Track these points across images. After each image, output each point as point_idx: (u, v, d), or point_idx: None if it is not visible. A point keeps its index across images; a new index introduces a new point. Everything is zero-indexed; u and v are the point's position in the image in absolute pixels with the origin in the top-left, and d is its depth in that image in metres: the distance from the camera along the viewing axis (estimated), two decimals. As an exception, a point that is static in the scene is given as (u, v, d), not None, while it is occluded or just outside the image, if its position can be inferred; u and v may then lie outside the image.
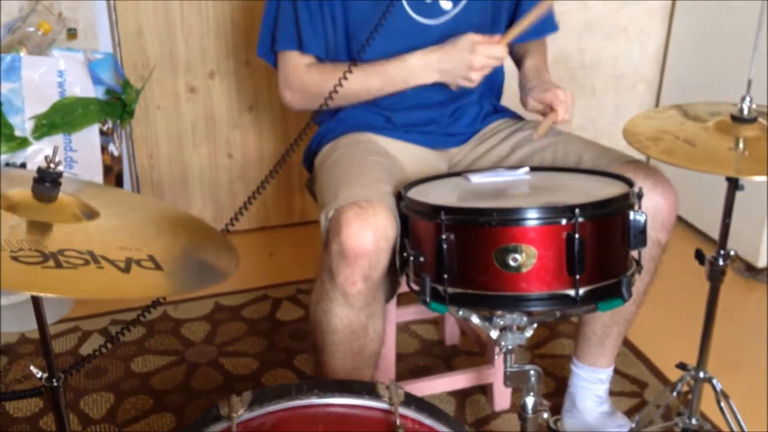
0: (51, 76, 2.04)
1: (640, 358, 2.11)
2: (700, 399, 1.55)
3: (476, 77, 1.54)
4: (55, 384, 1.04)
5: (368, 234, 1.32)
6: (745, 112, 1.32)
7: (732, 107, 1.35)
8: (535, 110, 1.63)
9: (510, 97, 1.83)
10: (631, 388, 1.99)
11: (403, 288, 1.48)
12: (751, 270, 2.53)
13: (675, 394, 1.56)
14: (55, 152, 1.02)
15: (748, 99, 1.32)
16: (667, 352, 2.02)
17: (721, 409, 1.52)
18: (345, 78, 1.51)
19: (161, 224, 1.11)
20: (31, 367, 1.05)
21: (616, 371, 1.87)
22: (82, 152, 2.09)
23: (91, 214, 1.02)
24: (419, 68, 1.57)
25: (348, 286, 1.34)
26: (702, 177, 1.77)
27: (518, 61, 1.78)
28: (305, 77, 1.64)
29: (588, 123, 2.96)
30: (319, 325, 1.43)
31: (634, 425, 1.60)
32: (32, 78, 2.01)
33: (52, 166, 0.99)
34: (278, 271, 2.56)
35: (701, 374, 1.52)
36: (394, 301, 1.75)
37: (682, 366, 1.55)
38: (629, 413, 1.85)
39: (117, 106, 2.15)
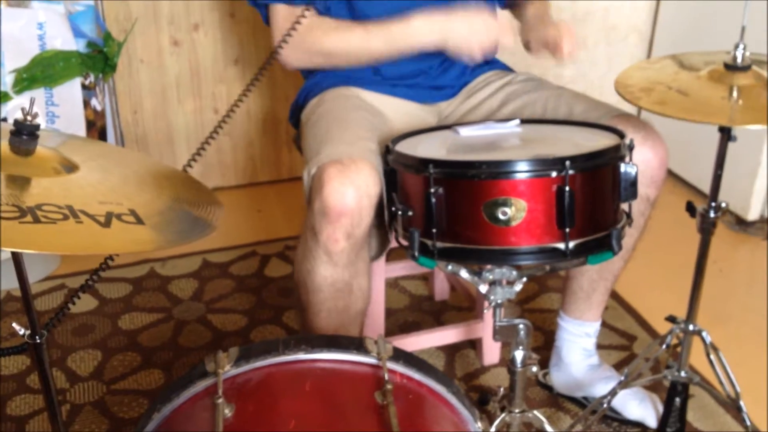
0: (31, 29, 2.00)
1: (629, 312, 2.11)
2: (690, 352, 1.55)
3: (478, 56, 1.50)
4: (38, 341, 1.03)
5: (350, 191, 1.29)
6: (739, 60, 1.29)
7: (726, 55, 1.33)
8: (539, 50, 1.58)
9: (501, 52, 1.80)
10: (620, 342, 2.00)
11: (392, 244, 1.46)
12: (741, 223, 2.54)
13: (664, 347, 1.56)
14: (32, 104, 0.99)
15: (741, 46, 1.29)
16: (656, 306, 2.02)
17: (711, 362, 1.52)
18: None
19: (144, 178, 1.09)
20: (14, 324, 1.03)
21: (605, 325, 1.88)
22: (64, 107, 2.05)
23: (70, 167, 1.00)
24: (423, 30, 1.50)
25: (331, 244, 1.32)
26: (693, 130, 1.75)
27: (519, 11, 1.73)
28: (305, 32, 1.54)
29: (579, 76, 2.93)
30: (304, 284, 1.41)
31: (622, 378, 1.60)
32: (11, 30, 1.96)
33: (29, 118, 0.96)
34: (266, 228, 2.55)
35: (691, 327, 1.52)
36: (383, 257, 1.74)
37: (671, 319, 1.55)
38: (618, 366, 1.85)
39: (99, 59, 2.11)
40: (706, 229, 1.44)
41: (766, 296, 2.19)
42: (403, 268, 2.07)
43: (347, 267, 1.37)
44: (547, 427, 1.39)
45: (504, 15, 1.49)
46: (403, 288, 2.22)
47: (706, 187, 2.59)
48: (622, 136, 1.27)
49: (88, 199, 0.93)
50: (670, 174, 2.67)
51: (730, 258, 2.41)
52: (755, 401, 1.70)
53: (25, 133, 0.96)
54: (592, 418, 1.63)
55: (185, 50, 2.57)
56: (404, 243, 1.28)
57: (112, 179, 1.04)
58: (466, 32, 1.48)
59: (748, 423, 1.53)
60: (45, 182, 0.94)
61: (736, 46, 1.30)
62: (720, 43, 1.43)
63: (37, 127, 0.97)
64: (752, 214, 2.51)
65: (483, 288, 1.27)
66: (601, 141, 1.28)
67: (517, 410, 1.37)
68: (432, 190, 1.18)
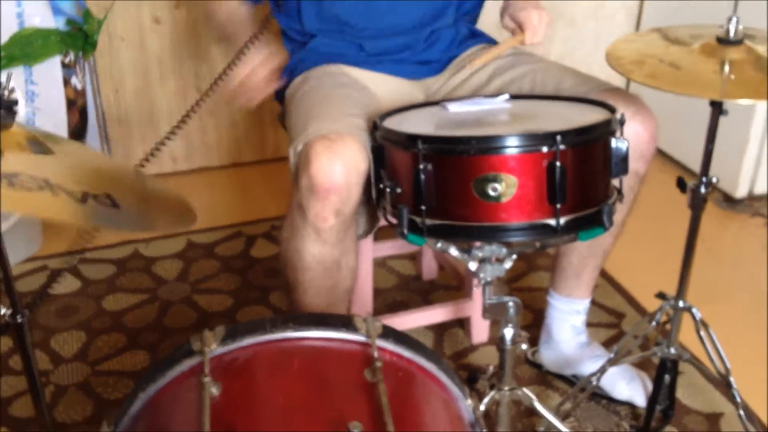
0: (9, 7, 1.96)
1: (618, 290, 2.10)
2: (679, 329, 1.54)
3: (227, 97, 1.50)
4: (19, 320, 1.01)
5: (338, 167, 1.27)
6: (732, 33, 1.27)
7: (716, 29, 1.31)
8: (508, 28, 1.57)
9: (486, 26, 1.77)
10: (609, 319, 1.99)
11: (381, 222, 1.44)
12: (729, 201, 2.53)
13: (653, 324, 1.55)
14: (8, 79, 0.97)
15: (735, 20, 1.27)
16: (645, 284, 2.01)
17: (701, 339, 1.52)
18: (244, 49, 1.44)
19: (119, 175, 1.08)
20: (-7, 303, 1.01)
21: (594, 303, 1.87)
22: (44, 85, 2.01)
23: (44, 149, 0.97)
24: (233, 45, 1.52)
25: (319, 221, 1.30)
26: (682, 107, 1.74)
27: None
28: None
29: (567, 53, 2.91)
30: (291, 263, 1.39)
31: (611, 355, 1.59)
32: (-11, 8, 1.93)
33: (5, 93, 0.94)
34: (252, 208, 2.52)
35: (680, 303, 1.51)
36: (370, 236, 1.72)
37: (661, 296, 1.54)
38: (607, 344, 1.85)
39: (78, 37, 2.07)
40: (697, 205, 1.42)
41: (755, 273, 2.19)
42: (390, 247, 2.05)
43: (336, 245, 1.35)
44: (537, 404, 1.38)
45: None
46: (391, 267, 2.20)
47: (694, 165, 2.58)
48: (612, 110, 1.25)
49: (64, 179, 0.91)
50: (659, 152, 2.65)
51: (718, 236, 2.41)
52: (745, 377, 1.69)
53: (1, 108, 0.94)
54: (581, 395, 1.62)
55: (167, 28, 2.52)
56: (393, 221, 1.26)
57: (85, 166, 1.02)
58: (241, 71, 1.46)
59: (738, 399, 1.52)
60: (21, 157, 0.92)
61: (729, 20, 1.28)
62: (707, 20, 1.41)
63: (15, 102, 0.95)
64: (740, 192, 2.51)
65: (472, 266, 1.25)
66: (591, 116, 1.26)
67: (506, 388, 1.36)
68: (421, 167, 1.16)
